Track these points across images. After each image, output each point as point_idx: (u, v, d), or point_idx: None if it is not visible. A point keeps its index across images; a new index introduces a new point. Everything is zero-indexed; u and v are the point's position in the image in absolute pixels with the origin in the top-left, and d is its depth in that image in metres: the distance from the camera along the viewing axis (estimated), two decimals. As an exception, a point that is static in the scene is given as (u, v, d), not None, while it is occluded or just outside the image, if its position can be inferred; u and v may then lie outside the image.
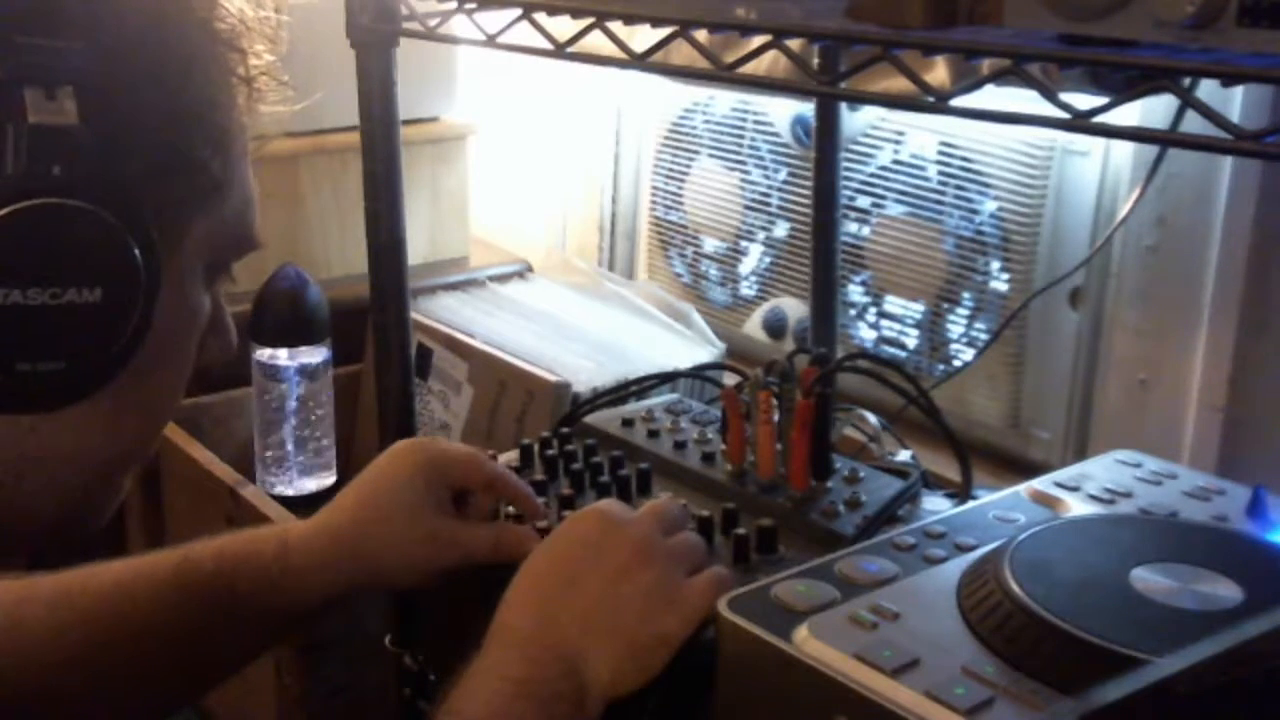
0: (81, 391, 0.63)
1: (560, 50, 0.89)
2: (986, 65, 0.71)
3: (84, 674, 0.83)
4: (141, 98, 0.63)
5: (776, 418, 0.97)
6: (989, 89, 0.68)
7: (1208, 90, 0.66)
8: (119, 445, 0.69)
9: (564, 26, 0.89)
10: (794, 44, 0.78)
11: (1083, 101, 0.64)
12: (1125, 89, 0.63)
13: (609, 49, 0.86)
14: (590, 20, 0.87)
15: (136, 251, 0.62)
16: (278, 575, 0.88)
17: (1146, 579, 0.70)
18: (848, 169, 1.36)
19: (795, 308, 1.56)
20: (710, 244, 1.66)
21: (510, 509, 0.94)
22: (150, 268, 0.63)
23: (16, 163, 0.59)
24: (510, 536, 0.91)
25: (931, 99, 0.70)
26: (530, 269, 1.80)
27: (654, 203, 1.74)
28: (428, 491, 0.91)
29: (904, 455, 1.19)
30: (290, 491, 1.45)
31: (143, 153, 0.63)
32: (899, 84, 0.73)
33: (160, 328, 0.65)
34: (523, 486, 0.94)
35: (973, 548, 0.77)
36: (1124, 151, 1.22)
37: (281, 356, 1.43)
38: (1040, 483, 0.87)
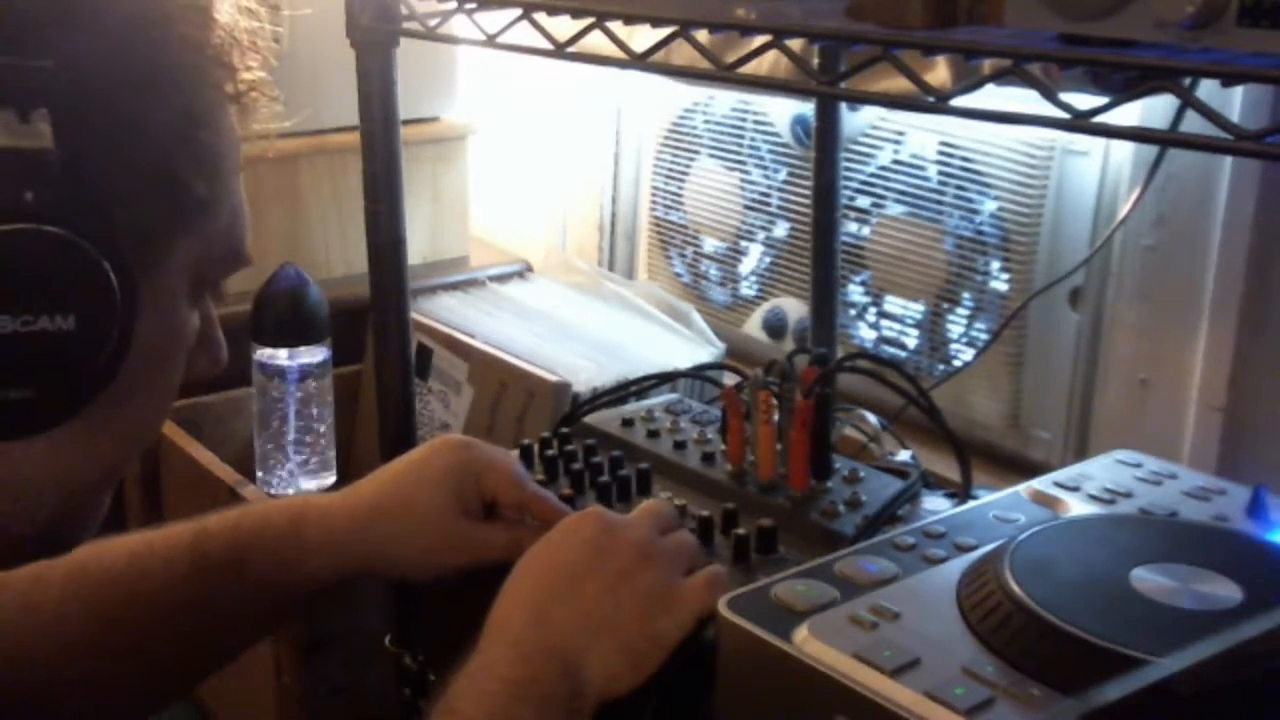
0: (54, 419, 0.62)
1: (560, 50, 0.89)
2: (986, 65, 0.71)
3: (97, 653, 0.83)
4: (120, 119, 0.61)
5: (776, 418, 0.97)
6: (989, 89, 0.68)
7: (1208, 90, 0.66)
8: (98, 467, 0.68)
9: (564, 26, 0.89)
10: (794, 44, 0.78)
11: (1083, 101, 0.64)
12: (1125, 89, 0.63)
13: (609, 49, 0.86)
14: (590, 20, 0.87)
15: (113, 277, 0.61)
16: (290, 550, 0.87)
17: (1146, 579, 0.70)
18: (848, 169, 1.36)
19: (795, 308, 1.56)
20: (710, 244, 1.66)
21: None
22: (127, 292, 0.61)
23: None
24: (527, 540, 0.90)
25: (931, 99, 0.70)
26: (530, 269, 1.80)
27: (654, 203, 1.74)
28: (456, 493, 0.89)
29: (904, 455, 1.19)
30: (290, 491, 1.45)
31: (121, 175, 0.61)
32: (899, 84, 0.74)
33: (142, 349, 0.63)
34: (564, 509, 0.91)
35: (973, 548, 0.77)
36: (1124, 151, 1.22)
37: (281, 356, 1.43)
38: (1040, 483, 0.87)
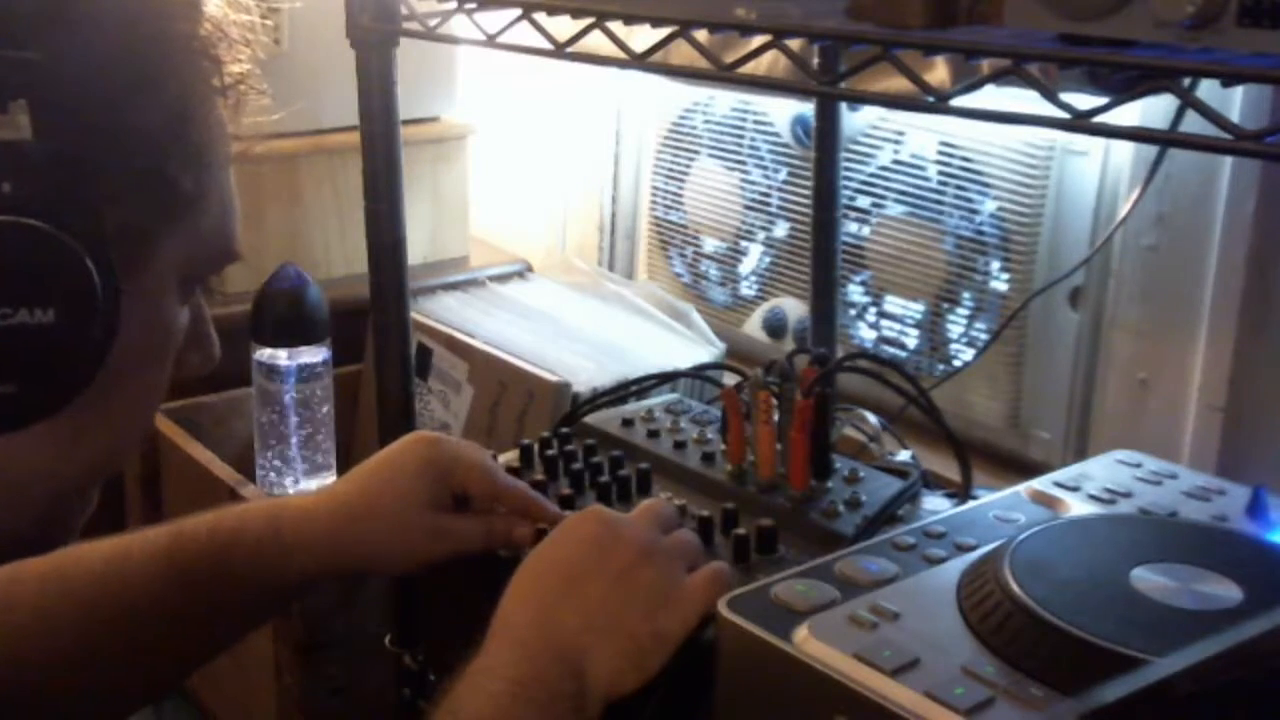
0: (34, 415, 0.61)
1: (560, 50, 0.89)
2: (986, 65, 0.71)
3: (77, 652, 0.83)
4: (102, 112, 0.61)
5: (776, 418, 0.97)
6: (989, 89, 0.68)
7: (1208, 90, 0.66)
8: (84, 464, 0.67)
9: (564, 26, 0.89)
10: (794, 44, 0.78)
11: (1083, 101, 0.64)
12: (1125, 89, 0.63)
13: (609, 49, 0.86)
14: (590, 20, 0.87)
15: (94, 271, 0.60)
16: (269, 551, 0.88)
17: (1146, 579, 0.70)
18: (848, 169, 1.36)
19: (795, 308, 1.55)
20: (710, 244, 1.66)
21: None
22: (109, 287, 0.60)
23: None
24: (500, 527, 0.92)
25: (931, 99, 0.70)
26: (530, 269, 1.80)
27: (654, 203, 1.74)
28: (428, 488, 0.91)
29: (904, 455, 1.19)
30: (290, 491, 1.45)
31: (103, 169, 0.61)
32: (899, 84, 0.74)
33: (128, 346, 0.63)
34: (537, 499, 0.94)
35: (973, 548, 0.77)
36: (1124, 151, 1.22)
37: (281, 356, 1.43)
38: (1040, 483, 0.87)
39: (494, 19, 0.96)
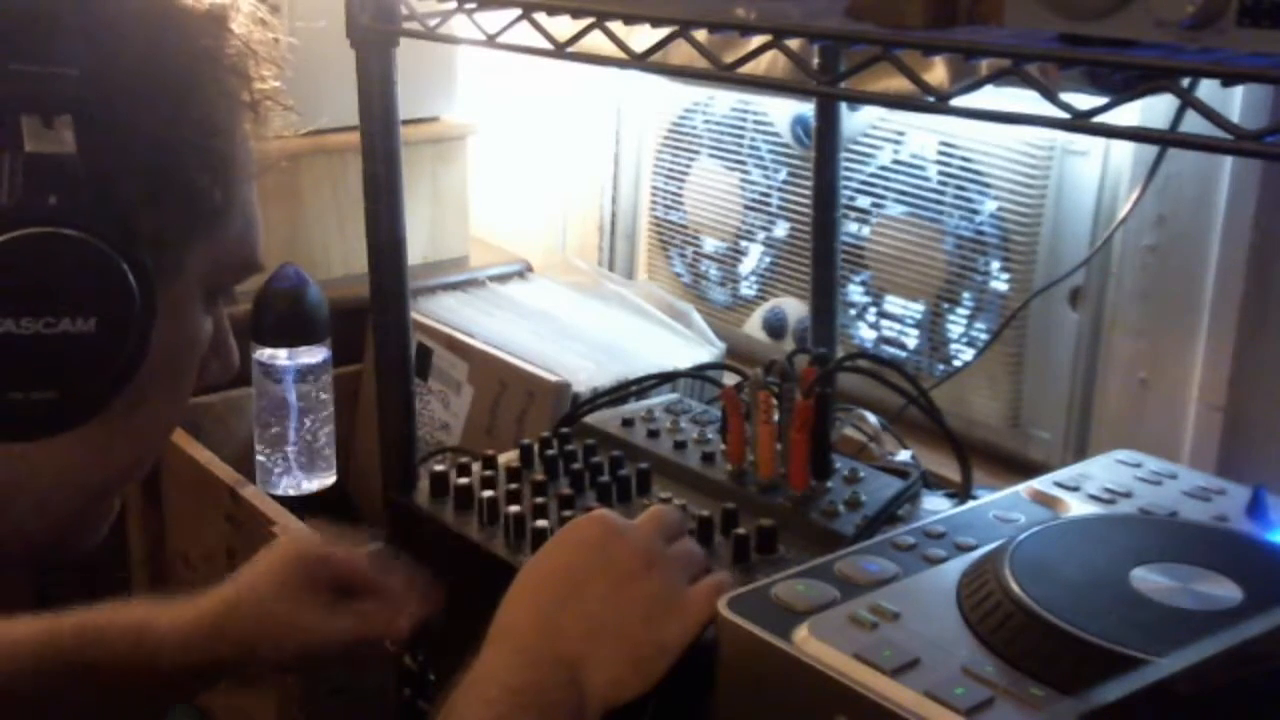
0: (73, 420, 0.63)
1: (560, 50, 0.89)
2: (986, 65, 0.71)
3: None
4: (139, 126, 0.63)
5: (776, 418, 0.97)
6: (989, 89, 0.68)
7: (1208, 90, 0.66)
8: (111, 470, 0.69)
9: (564, 26, 0.89)
10: (794, 44, 0.78)
11: (1083, 101, 0.64)
12: (1125, 89, 0.63)
13: (609, 49, 0.86)
14: (590, 20, 0.87)
15: (132, 281, 0.62)
16: (134, 655, 0.89)
17: (1146, 579, 0.70)
18: (848, 169, 1.36)
19: (795, 308, 1.55)
20: (710, 244, 1.66)
21: (511, 510, 0.94)
22: (146, 297, 0.63)
23: (13, 192, 0.59)
24: (378, 618, 0.94)
25: (931, 99, 0.70)
26: (530, 269, 1.80)
27: (654, 203, 1.74)
28: (298, 584, 0.93)
29: (904, 455, 1.19)
30: (290, 491, 1.45)
31: (140, 181, 0.63)
32: (899, 84, 0.74)
33: (158, 354, 0.65)
34: (403, 591, 0.95)
35: (973, 548, 0.77)
36: (1124, 151, 1.22)
37: (281, 356, 1.43)
38: (1040, 483, 0.87)
39: (494, 19, 0.96)
